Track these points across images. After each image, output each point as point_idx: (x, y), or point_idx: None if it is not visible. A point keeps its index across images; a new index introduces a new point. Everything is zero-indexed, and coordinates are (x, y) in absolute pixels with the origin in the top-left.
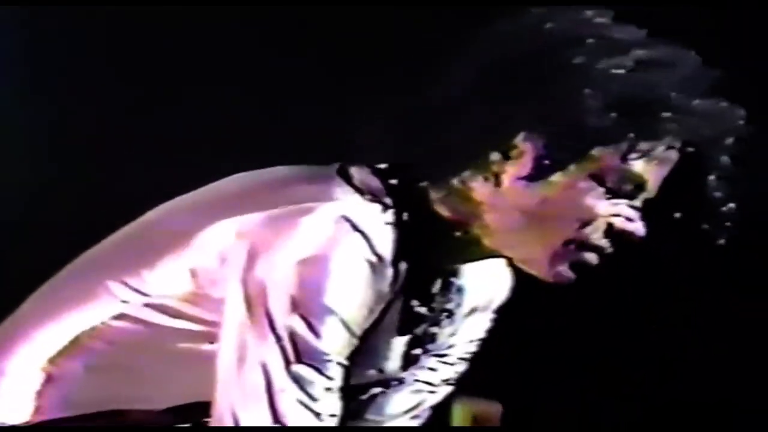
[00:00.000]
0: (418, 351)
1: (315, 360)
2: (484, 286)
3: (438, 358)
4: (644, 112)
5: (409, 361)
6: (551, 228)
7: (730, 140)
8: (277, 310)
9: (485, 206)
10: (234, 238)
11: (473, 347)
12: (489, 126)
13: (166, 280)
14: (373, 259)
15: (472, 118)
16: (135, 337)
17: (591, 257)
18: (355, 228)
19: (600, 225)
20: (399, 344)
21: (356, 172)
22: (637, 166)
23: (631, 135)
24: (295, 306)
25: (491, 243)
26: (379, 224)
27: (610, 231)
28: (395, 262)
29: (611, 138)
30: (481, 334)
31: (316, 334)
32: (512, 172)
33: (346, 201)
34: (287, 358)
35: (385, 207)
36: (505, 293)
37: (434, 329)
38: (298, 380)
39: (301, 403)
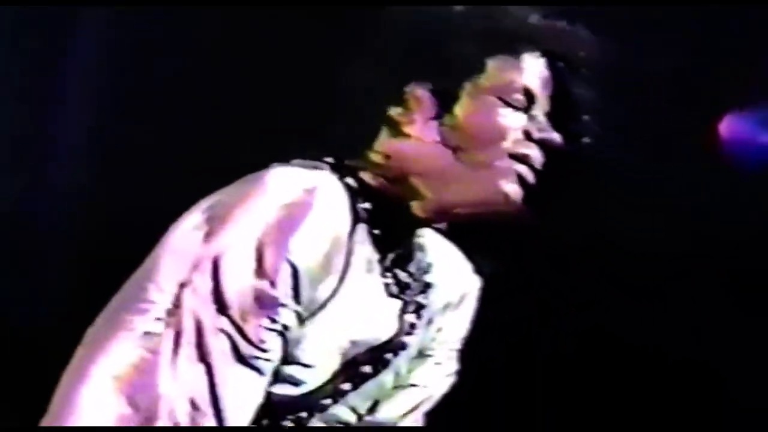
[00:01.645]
0: (412, 318)
1: (268, 308)
2: (452, 279)
3: (428, 357)
4: (501, 37)
5: (404, 326)
6: (476, 153)
7: (581, 54)
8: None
9: (409, 160)
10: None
11: (457, 345)
12: (379, 83)
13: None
14: (325, 207)
15: (365, 82)
16: None
17: (525, 171)
18: (304, 180)
19: (520, 137)
20: (391, 308)
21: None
22: (517, 76)
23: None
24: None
25: (432, 194)
26: (327, 179)
27: (532, 141)
28: (352, 212)
29: (474, 63)
30: (463, 332)
31: (272, 283)
32: (418, 118)
33: (292, 166)
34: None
35: (331, 170)
36: (475, 287)
37: (421, 299)
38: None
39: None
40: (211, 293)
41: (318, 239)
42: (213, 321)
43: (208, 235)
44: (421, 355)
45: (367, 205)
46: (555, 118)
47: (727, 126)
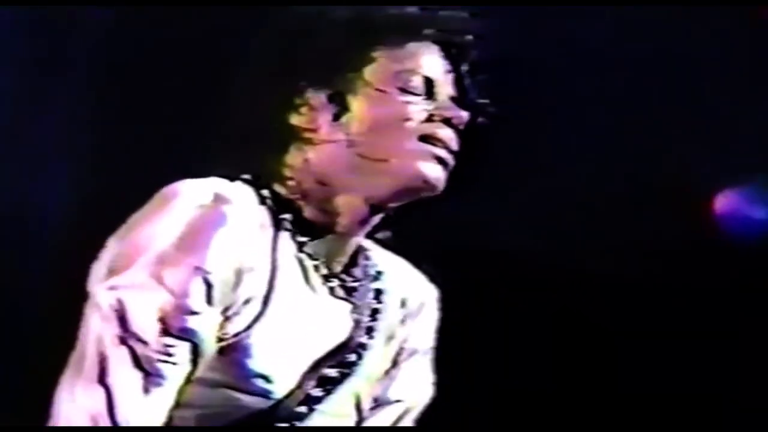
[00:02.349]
0: (366, 320)
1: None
2: (405, 285)
3: (399, 369)
4: (383, 29)
5: (358, 328)
6: (385, 143)
7: (464, 38)
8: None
9: (322, 166)
10: None
11: (427, 355)
12: (269, 92)
13: None
14: (235, 214)
15: (260, 96)
16: None
17: (439, 150)
18: (213, 190)
19: (425, 120)
20: (340, 311)
21: None
22: (408, 64)
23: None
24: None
25: (353, 194)
26: (238, 188)
27: (439, 122)
28: (272, 220)
29: (357, 57)
30: (429, 342)
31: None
32: (321, 121)
33: (208, 181)
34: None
35: (246, 183)
36: (432, 296)
37: (374, 303)
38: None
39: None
40: (114, 319)
41: (228, 246)
42: (114, 334)
43: (110, 272)
44: (394, 366)
45: (287, 215)
46: (457, 99)
47: (721, 202)
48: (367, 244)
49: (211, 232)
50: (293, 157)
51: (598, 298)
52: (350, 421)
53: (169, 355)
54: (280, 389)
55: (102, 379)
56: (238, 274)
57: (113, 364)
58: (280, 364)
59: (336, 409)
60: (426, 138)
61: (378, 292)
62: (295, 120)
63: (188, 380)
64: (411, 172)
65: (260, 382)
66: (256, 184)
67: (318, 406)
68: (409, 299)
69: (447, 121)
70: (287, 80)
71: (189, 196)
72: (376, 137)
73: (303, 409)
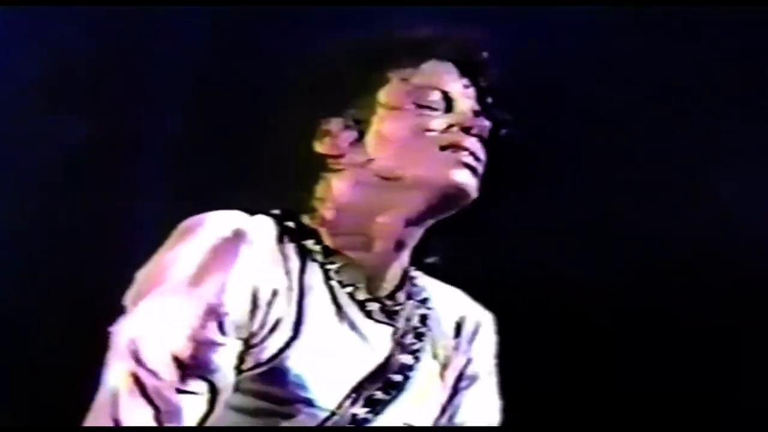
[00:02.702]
0: (410, 340)
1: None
2: (456, 309)
3: (464, 392)
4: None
5: (400, 349)
6: (411, 153)
7: (479, 55)
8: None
9: (350, 192)
10: None
11: (490, 379)
12: (299, 124)
13: None
14: (251, 248)
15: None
16: None
17: (466, 156)
18: (233, 223)
19: (446, 131)
20: (380, 333)
21: None
22: (422, 80)
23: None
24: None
25: (388, 215)
26: (261, 223)
27: (466, 129)
28: (297, 250)
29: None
30: (490, 365)
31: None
32: (343, 146)
33: (229, 214)
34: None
35: (270, 216)
36: (488, 320)
37: (419, 326)
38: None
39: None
40: (128, 352)
41: (244, 277)
42: (127, 368)
43: (129, 304)
44: (455, 393)
45: (314, 246)
46: (478, 112)
47: None
48: (416, 272)
49: (227, 264)
50: (321, 189)
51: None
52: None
53: (184, 391)
54: (323, 411)
55: (114, 414)
56: (255, 303)
57: (124, 399)
58: (320, 386)
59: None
60: (449, 147)
61: (424, 317)
62: (319, 148)
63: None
64: (439, 180)
65: (302, 406)
66: (282, 217)
67: (367, 424)
68: (465, 324)
69: (468, 130)
70: (309, 109)
71: (207, 230)
72: (397, 154)
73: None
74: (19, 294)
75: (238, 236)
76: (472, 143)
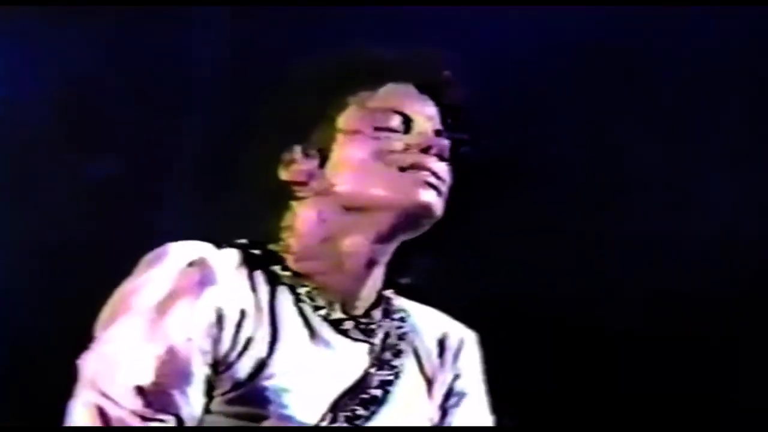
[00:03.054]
0: (388, 356)
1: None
2: (436, 326)
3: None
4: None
5: (377, 364)
6: (371, 177)
7: (440, 75)
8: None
9: (316, 219)
10: None
11: (479, 397)
12: (265, 153)
13: None
14: (210, 278)
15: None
16: None
17: (428, 175)
18: (191, 254)
19: (407, 153)
20: (355, 351)
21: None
22: (380, 103)
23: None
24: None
25: (356, 232)
26: (225, 253)
27: (425, 150)
28: (266, 276)
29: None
30: (478, 382)
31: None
32: (306, 174)
33: (192, 244)
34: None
35: (236, 246)
36: (471, 338)
37: (398, 342)
38: None
39: None
40: (89, 383)
41: (207, 306)
42: (90, 401)
43: (96, 334)
44: (444, 414)
45: (285, 272)
46: (439, 132)
47: None
48: (392, 294)
49: (190, 291)
50: (288, 217)
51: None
52: None
53: (149, 420)
54: (305, 425)
55: None
56: (221, 326)
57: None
58: (298, 403)
59: None
60: (409, 168)
61: (402, 335)
62: (283, 176)
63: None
64: (402, 201)
65: (283, 422)
66: (248, 246)
67: None
68: (447, 341)
69: (427, 150)
70: (273, 138)
71: (171, 259)
72: (358, 178)
73: None
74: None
75: (201, 264)
76: (433, 163)
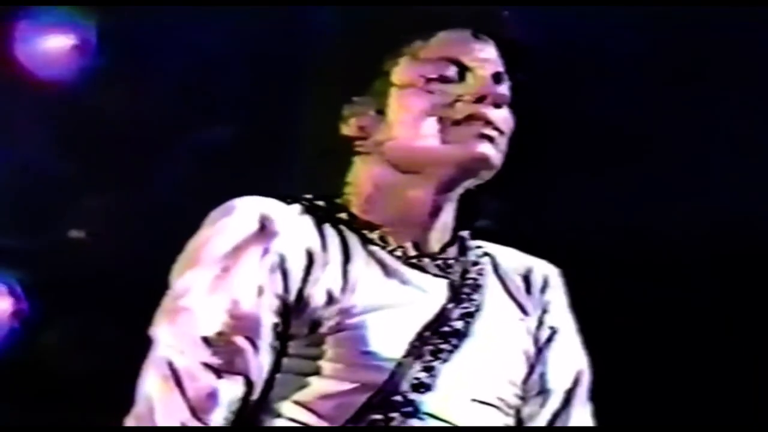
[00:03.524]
0: (468, 290)
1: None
2: (521, 262)
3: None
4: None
5: (456, 297)
6: (427, 132)
7: (497, 14)
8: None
9: (379, 173)
10: None
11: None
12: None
13: None
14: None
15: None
16: None
17: (484, 128)
18: (254, 207)
19: (465, 100)
20: (436, 285)
21: None
22: (432, 52)
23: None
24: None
25: (418, 184)
26: (290, 206)
27: (480, 99)
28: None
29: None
30: (568, 320)
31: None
32: (367, 129)
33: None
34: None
35: (293, 201)
36: (554, 275)
37: (477, 277)
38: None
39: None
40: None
41: (278, 252)
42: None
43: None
44: (539, 351)
45: (354, 221)
46: (499, 75)
47: None
48: (467, 234)
49: (259, 242)
50: (351, 172)
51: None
52: (485, 396)
53: (216, 371)
54: (389, 362)
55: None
56: (289, 274)
57: (159, 396)
58: (380, 339)
59: (460, 380)
60: (464, 119)
61: (481, 270)
62: (345, 131)
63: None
64: (456, 156)
65: (367, 360)
66: (313, 200)
67: (437, 374)
68: (532, 276)
69: (482, 99)
70: (333, 93)
71: (239, 213)
72: (414, 133)
73: (423, 375)
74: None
75: (266, 217)
76: (489, 112)
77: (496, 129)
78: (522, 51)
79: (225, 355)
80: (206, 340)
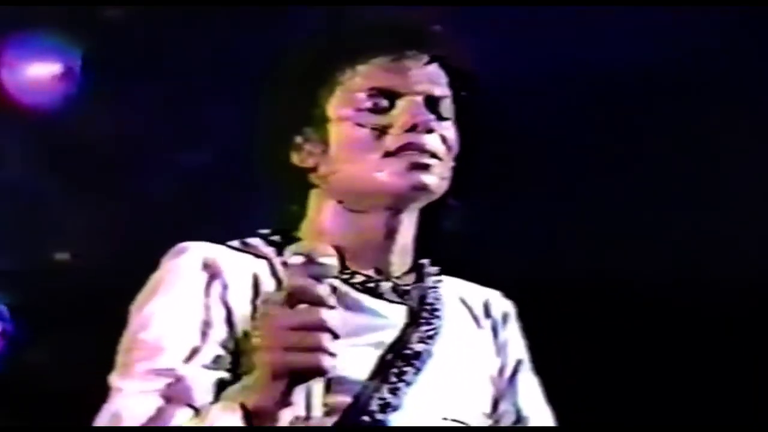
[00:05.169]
0: (426, 315)
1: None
2: (477, 294)
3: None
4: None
5: (415, 319)
6: (362, 165)
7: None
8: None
9: (329, 198)
10: None
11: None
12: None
13: None
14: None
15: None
16: None
17: (415, 157)
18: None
19: (393, 132)
20: (393, 311)
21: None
22: (360, 82)
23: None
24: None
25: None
26: (228, 250)
27: (411, 129)
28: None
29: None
30: (522, 350)
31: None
32: (314, 160)
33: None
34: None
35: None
36: (511, 309)
37: (435, 301)
38: None
39: None
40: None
41: (214, 307)
42: None
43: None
44: (504, 378)
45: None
46: (430, 97)
47: None
48: (427, 262)
49: (202, 280)
50: (310, 203)
51: None
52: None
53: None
54: (356, 384)
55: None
56: (231, 326)
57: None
58: (346, 363)
59: (425, 400)
60: (398, 150)
61: (438, 296)
62: (296, 161)
63: None
64: (393, 188)
65: (335, 383)
66: (269, 235)
67: (402, 395)
68: (492, 307)
69: (414, 128)
70: (282, 123)
71: (187, 256)
72: (349, 168)
73: (389, 396)
74: None
75: (213, 258)
76: (420, 139)
77: (432, 155)
78: (462, 68)
79: (174, 387)
80: (157, 372)
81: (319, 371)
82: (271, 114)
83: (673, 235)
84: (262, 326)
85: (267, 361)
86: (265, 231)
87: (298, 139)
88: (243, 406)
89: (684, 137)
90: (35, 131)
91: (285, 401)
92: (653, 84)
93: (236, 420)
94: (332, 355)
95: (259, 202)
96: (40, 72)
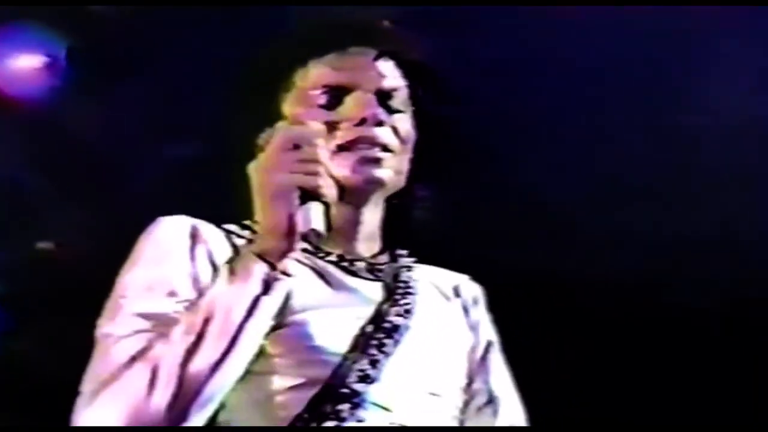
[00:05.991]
0: (399, 295)
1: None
2: (447, 278)
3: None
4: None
5: (390, 295)
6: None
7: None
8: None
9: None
10: None
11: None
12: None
13: None
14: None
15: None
16: None
17: (365, 151)
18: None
19: (343, 127)
20: (370, 287)
21: None
22: (309, 80)
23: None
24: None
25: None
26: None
27: (360, 123)
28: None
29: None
30: (492, 334)
31: None
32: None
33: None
34: None
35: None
36: (479, 293)
37: (409, 281)
38: None
39: None
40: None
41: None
42: None
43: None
44: (479, 358)
45: None
46: (378, 94)
47: None
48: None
49: (187, 244)
50: None
51: None
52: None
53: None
54: (335, 356)
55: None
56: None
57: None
58: (324, 337)
59: (402, 372)
60: (349, 144)
61: (410, 276)
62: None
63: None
64: (346, 182)
65: (316, 354)
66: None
67: (381, 367)
68: (462, 290)
69: (363, 122)
70: (248, 119)
71: (169, 224)
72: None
73: (368, 368)
74: None
75: (196, 227)
76: (371, 133)
77: (384, 148)
78: (415, 61)
79: (159, 327)
80: (143, 315)
81: (316, 192)
82: (236, 116)
83: (644, 226)
84: (269, 151)
85: (272, 180)
86: (230, 226)
87: (260, 140)
88: (258, 255)
89: (660, 130)
90: (20, 123)
91: (290, 224)
92: (631, 78)
93: (262, 267)
94: (328, 186)
95: (244, 195)
96: (24, 64)
